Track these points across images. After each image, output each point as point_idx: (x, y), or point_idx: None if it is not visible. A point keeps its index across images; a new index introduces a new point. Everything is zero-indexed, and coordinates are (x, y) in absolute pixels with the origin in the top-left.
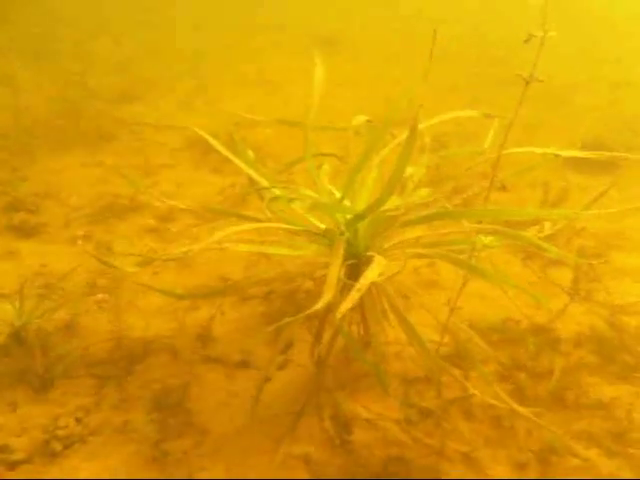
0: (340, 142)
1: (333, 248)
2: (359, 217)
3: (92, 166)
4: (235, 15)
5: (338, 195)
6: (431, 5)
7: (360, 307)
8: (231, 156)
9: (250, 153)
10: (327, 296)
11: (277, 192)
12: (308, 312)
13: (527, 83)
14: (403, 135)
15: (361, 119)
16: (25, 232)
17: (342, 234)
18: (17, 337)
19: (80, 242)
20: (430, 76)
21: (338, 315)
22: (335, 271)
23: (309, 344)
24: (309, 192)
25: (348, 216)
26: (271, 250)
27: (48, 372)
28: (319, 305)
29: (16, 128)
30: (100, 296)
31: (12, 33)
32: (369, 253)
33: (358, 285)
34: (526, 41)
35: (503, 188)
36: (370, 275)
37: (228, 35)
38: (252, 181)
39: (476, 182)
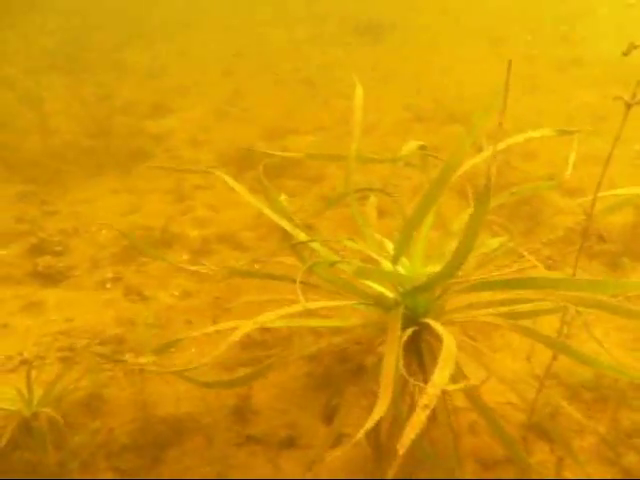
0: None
1: (388, 331)
2: (419, 289)
3: (123, 192)
4: (269, 7)
5: (389, 247)
6: None
7: (422, 364)
8: (265, 209)
9: (283, 199)
10: (383, 405)
11: (316, 247)
12: (359, 435)
13: (629, 107)
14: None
15: (412, 146)
16: (51, 278)
17: (398, 304)
18: (27, 427)
19: (109, 285)
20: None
21: (401, 450)
22: (391, 364)
23: (365, 410)
24: (353, 244)
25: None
26: (316, 323)
27: (63, 467)
28: (375, 418)
29: (45, 153)
30: (128, 356)
31: (41, 43)
32: (429, 321)
33: (425, 399)
34: (626, 53)
35: (601, 238)
36: (439, 381)
37: (264, 31)
38: (287, 233)
39: (558, 219)
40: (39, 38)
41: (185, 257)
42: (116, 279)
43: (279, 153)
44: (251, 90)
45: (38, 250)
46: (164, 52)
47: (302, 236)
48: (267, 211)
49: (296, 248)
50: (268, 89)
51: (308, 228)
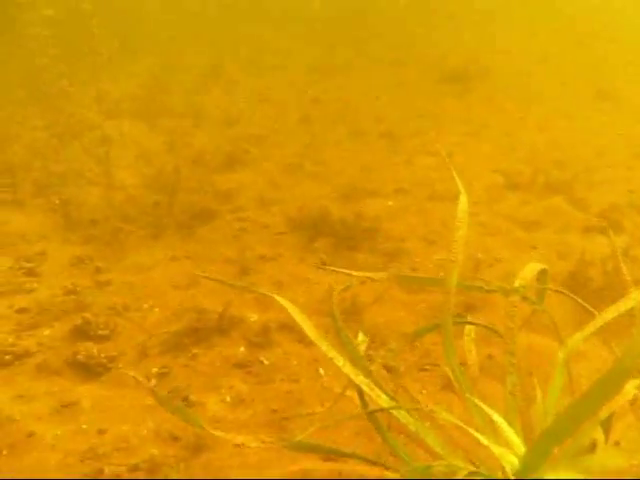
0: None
1: None
2: None
3: (183, 258)
4: (349, 49)
5: (498, 419)
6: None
7: None
8: (338, 359)
9: (361, 338)
10: None
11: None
12: None
13: None
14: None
15: (531, 271)
16: (90, 371)
17: None
18: None
19: (153, 382)
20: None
21: None
22: None
23: None
24: (450, 416)
25: None
26: None
27: None
28: None
29: (107, 210)
30: None
31: (124, 84)
32: None
33: None
34: None
35: None
36: None
37: (343, 75)
38: (364, 402)
39: None
40: (123, 79)
41: (242, 349)
42: (162, 375)
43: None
44: (327, 141)
45: (82, 333)
46: (244, 95)
47: (383, 400)
48: (338, 360)
49: (374, 418)
50: (345, 141)
51: (387, 371)
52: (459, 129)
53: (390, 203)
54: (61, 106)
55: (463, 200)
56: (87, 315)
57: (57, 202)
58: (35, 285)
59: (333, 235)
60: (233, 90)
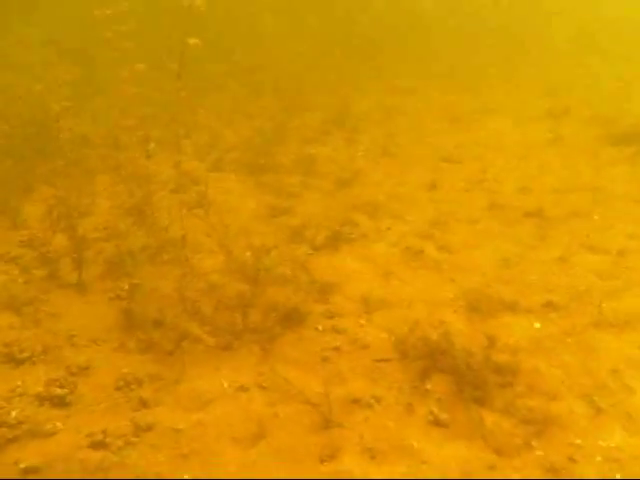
0: None
1: None
2: None
3: (253, 388)
4: (498, 95)
5: None
6: None
7: None
8: None
9: None
10: None
11: None
12: None
13: None
14: None
15: None
16: None
17: None
18: None
19: None
20: None
21: None
22: None
23: None
24: None
25: None
26: None
27: None
28: None
29: (178, 306)
30: None
31: (245, 125)
32: None
33: None
34: None
35: None
36: None
37: (488, 127)
38: None
39: None
40: (240, 120)
41: None
42: None
43: None
44: (458, 217)
45: None
46: (365, 147)
47: None
48: None
49: None
50: (479, 220)
51: None
52: (634, 212)
53: (537, 325)
54: (141, 172)
55: None
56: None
57: (125, 288)
58: (58, 426)
59: (453, 372)
60: (354, 139)
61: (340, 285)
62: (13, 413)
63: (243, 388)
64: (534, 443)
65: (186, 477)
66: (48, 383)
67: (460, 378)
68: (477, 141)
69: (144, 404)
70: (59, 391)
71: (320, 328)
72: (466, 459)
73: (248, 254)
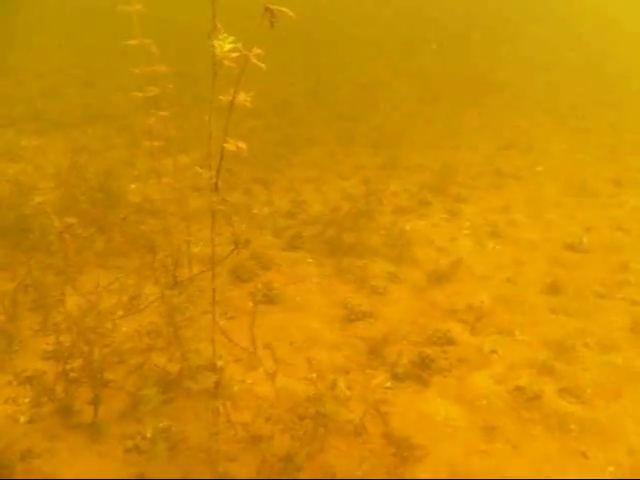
0: None
1: None
2: None
3: None
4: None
5: None
6: None
7: None
8: None
9: None
10: None
11: None
12: None
13: None
14: None
15: None
16: None
17: None
18: None
19: None
20: None
21: None
22: None
23: None
24: None
25: None
26: None
27: None
28: None
29: (205, 464)
30: None
31: (335, 188)
32: None
33: None
34: None
35: None
36: None
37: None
38: None
39: None
40: (330, 180)
41: None
42: None
43: None
44: (588, 343)
45: None
46: (468, 222)
47: None
48: None
49: None
50: (620, 347)
51: None
52: None
53: None
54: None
55: None
56: None
57: (147, 436)
58: None
59: None
60: (458, 212)
61: (426, 448)
62: None
63: None
64: None
65: None
66: None
67: None
68: (613, 223)
69: None
70: None
71: None
72: None
73: (305, 384)
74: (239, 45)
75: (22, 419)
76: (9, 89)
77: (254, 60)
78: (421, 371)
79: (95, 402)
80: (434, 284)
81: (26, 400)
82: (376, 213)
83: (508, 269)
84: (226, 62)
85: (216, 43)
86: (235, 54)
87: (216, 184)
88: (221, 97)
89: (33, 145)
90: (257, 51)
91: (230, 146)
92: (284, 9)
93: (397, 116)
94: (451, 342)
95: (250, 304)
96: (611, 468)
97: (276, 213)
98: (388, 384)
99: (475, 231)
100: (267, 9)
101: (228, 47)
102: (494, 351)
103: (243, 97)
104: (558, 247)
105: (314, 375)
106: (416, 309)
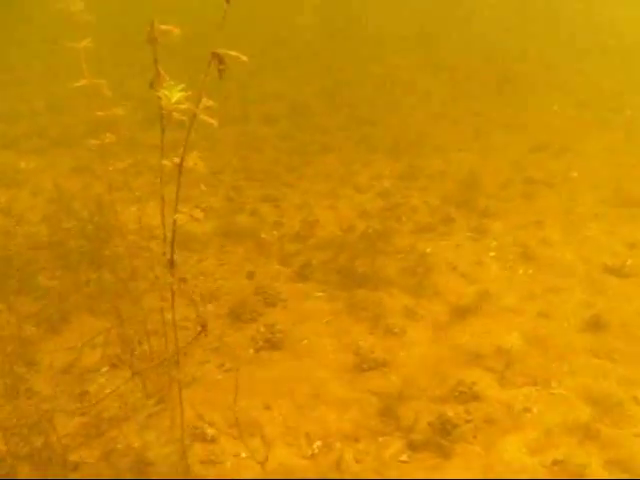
0: None
1: None
2: None
3: None
4: None
5: None
6: None
7: None
8: None
9: None
10: None
11: None
12: None
13: None
14: None
15: None
16: None
17: None
18: None
19: None
20: None
21: None
22: None
23: None
24: None
25: None
26: None
27: None
28: None
29: None
30: None
31: (353, 203)
32: None
33: None
34: None
35: None
36: None
37: None
38: None
39: None
40: (348, 193)
41: None
42: None
43: None
44: (638, 397)
45: None
46: (496, 242)
47: None
48: None
49: None
50: None
51: None
52: None
53: None
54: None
55: None
56: None
57: None
58: None
59: None
60: (484, 230)
61: None
62: None
63: None
64: None
65: None
66: None
67: None
68: None
69: None
70: None
71: None
72: None
73: (306, 460)
74: (189, 93)
75: None
76: (13, 103)
77: (203, 116)
78: (441, 437)
79: None
80: (457, 320)
81: None
82: (394, 233)
83: (541, 300)
84: (175, 115)
85: (161, 94)
86: (184, 106)
87: (171, 260)
88: (165, 162)
89: (31, 167)
90: (208, 103)
91: (183, 217)
92: (234, 53)
93: (420, 116)
94: (476, 397)
95: (251, 351)
96: None
97: (284, 237)
98: (404, 457)
99: (503, 252)
100: (214, 55)
101: (177, 96)
102: (527, 409)
103: (194, 160)
104: (597, 270)
105: (318, 444)
106: (436, 354)
